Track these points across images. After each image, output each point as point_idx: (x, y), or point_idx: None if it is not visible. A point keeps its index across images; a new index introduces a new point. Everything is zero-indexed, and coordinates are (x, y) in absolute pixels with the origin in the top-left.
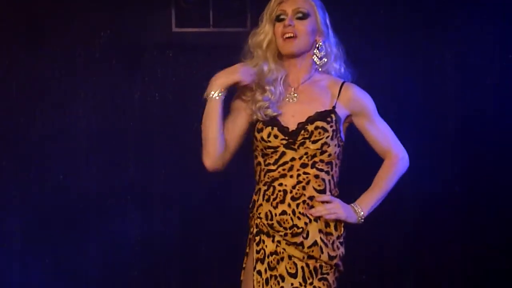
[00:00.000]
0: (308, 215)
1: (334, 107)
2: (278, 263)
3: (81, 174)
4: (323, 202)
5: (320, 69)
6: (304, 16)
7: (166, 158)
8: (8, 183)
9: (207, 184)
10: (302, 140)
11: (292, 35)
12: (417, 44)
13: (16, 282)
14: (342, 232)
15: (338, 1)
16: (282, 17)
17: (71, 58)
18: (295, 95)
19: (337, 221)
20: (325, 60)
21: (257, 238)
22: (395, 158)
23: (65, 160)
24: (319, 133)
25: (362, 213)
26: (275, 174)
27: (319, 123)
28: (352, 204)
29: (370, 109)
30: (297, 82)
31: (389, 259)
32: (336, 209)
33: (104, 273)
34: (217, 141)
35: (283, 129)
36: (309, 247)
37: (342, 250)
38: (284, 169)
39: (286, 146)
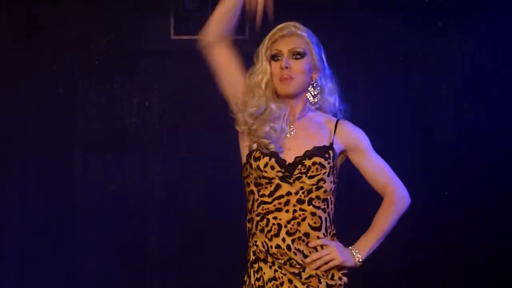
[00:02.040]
0: (304, 253)
1: (332, 143)
2: (291, 283)
3: (79, 177)
4: (317, 246)
5: (313, 107)
6: (301, 56)
7: (164, 164)
8: (7, 183)
9: (206, 188)
10: (299, 175)
11: (288, 77)
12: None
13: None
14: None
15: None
16: (277, 57)
17: (70, 64)
18: (292, 130)
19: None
20: (319, 96)
21: (255, 266)
22: (393, 196)
23: (63, 163)
24: (316, 168)
25: (359, 257)
26: (270, 207)
27: (317, 159)
28: (350, 248)
29: (365, 145)
30: (294, 117)
31: (386, 267)
32: (331, 255)
33: (103, 274)
34: (223, 16)
35: (281, 162)
36: (306, 278)
37: (344, 280)
38: (280, 203)
39: (282, 179)
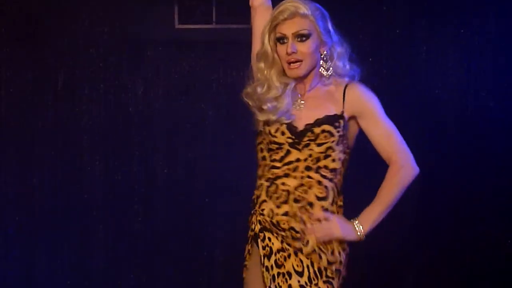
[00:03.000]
0: (360, 230)
1: (342, 112)
2: (285, 260)
3: (84, 171)
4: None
5: (326, 75)
6: (306, 37)
7: (170, 153)
8: (12, 178)
9: (211, 178)
10: (307, 142)
11: (295, 60)
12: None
13: (17, 276)
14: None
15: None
16: (283, 40)
17: (74, 54)
18: (302, 102)
19: None
20: (331, 69)
21: (261, 235)
22: (397, 166)
23: (68, 157)
24: (325, 136)
25: (362, 230)
26: (279, 172)
27: (326, 127)
28: (352, 220)
29: (373, 110)
30: (304, 90)
31: (388, 257)
32: (332, 228)
33: (109, 270)
34: None
35: (291, 128)
36: (307, 254)
37: (343, 256)
38: (289, 169)
39: (291, 145)
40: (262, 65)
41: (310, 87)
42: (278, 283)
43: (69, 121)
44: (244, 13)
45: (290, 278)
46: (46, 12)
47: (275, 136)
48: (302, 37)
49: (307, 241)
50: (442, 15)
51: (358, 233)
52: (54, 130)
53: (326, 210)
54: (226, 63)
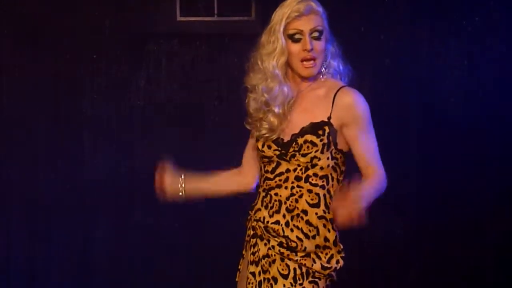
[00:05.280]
0: (303, 230)
1: (329, 118)
2: (270, 265)
3: (86, 165)
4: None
5: (322, 75)
6: (320, 35)
7: (171, 147)
8: (16, 170)
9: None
10: (293, 153)
11: (312, 58)
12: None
13: (18, 270)
14: (341, 247)
15: None
16: (298, 36)
17: (76, 47)
18: (291, 105)
19: (336, 236)
20: (326, 67)
21: (253, 241)
22: (374, 180)
23: (69, 151)
24: (308, 147)
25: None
26: (272, 183)
27: (308, 137)
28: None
29: (359, 120)
30: (297, 90)
31: (388, 256)
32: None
33: (113, 260)
34: (222, 193)
35: (277, 141)
36: (302, 256)
37: (341, 263)
38: (280, 180)
39: (279, 157)
40: (274, 62)
41: (304, 87)
42: None
43: (70, 114)
44: (246, 5)
45: (275, 283)
46: (47, 4)
47: (263, 151)
48: (318, 33)
49: (305, 247)
50: (444, 12)
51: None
52: (55, 121)
53: (321, 217)
54: (228, 56)
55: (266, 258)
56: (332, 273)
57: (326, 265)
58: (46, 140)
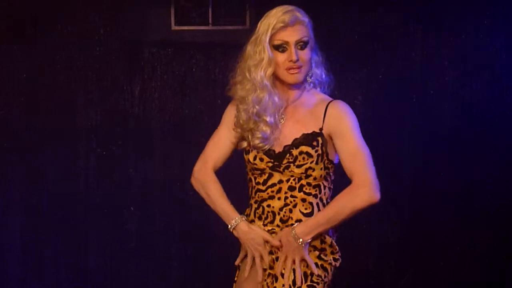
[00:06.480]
0: (299, 241)
1: (321, 129)
2: (273, 262)
3: (80, 171)
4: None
5: (308, 84)
6: (305, 45)
7: (166, 155)
8: (8, 180)
9: None
10: (287, 164)
11: (297, 67)
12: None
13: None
14: (337, 249)
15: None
16: (283, 48)
17: (70, 55)
18: (283, 115)
19: (332, 241)
20: (312, 75)
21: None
22: (353, 186)
23: (65, 157)
24: (303, 158)
25: (301, 241)
26: (264, 195)
27: (303, 148)
28: (292, 230)
29: (348, 128)
30: (286, 101)
31: (386, 256)
32: (294, 252)
33: (109, 267)
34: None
35: (269, 152)
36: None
37: (336, 264)
38: (272, 191)
39: (272, 169)
40: (262, 73)
41: (293, 98)
42: (267, 283)
43: (65, 122)
44: (240, 14)
45: (276, 281)
46: (43, 13)
47: (255, 164)
48: (303, 44)
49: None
50: (437, 18)
51: (299, 243)
52: (49, 128)
53: None
54: (223, 65)
55: (270, 255)
56: (328, 277)
57: (321, 265)
58: (39, 149)
